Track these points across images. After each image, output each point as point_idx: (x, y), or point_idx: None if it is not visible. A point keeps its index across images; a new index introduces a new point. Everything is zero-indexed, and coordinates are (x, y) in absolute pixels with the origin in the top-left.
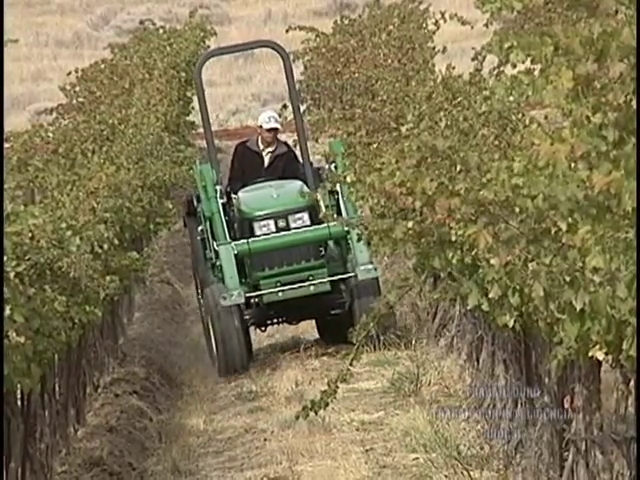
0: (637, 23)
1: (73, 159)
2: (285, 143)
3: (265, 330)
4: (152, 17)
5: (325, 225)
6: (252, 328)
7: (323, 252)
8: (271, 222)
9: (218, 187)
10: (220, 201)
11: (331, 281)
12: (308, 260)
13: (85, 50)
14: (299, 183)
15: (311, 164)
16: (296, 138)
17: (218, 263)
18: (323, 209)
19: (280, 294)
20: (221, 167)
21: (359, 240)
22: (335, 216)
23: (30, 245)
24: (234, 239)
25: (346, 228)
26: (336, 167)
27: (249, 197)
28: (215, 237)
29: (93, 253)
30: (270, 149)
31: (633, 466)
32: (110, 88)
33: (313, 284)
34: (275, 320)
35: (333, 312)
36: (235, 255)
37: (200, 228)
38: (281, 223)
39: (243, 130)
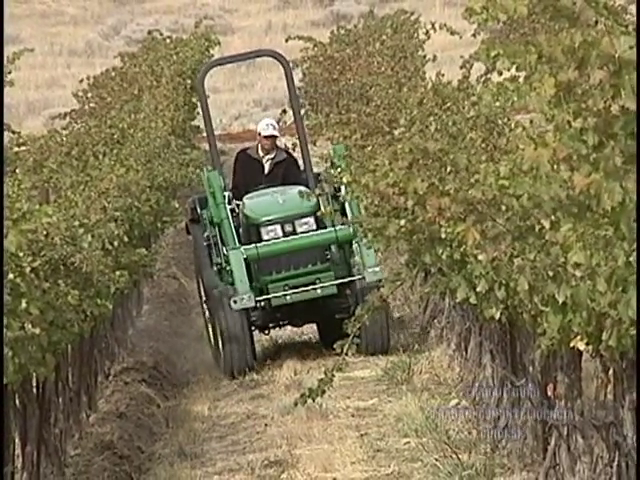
0: (637, 30)
1: (85, 161)
2: (285, 150)
3: (268, 333)
4: (160, 28)
5: (332, 229)
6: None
7: (329, 255)
8: (278, 227)
9: (226, 193)
10: (229, 207)
11: (337, 284)
12: (315, 264)
13: (97, 59)
14: (303, 188)
15: (312, 169)
16: (295, 142)
17: (228, 268)
18: (322, 209)
19: (288, 297)
20: (223, 169)
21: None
22: (335, 216)
23: (45, 242)
24: (241, 244)
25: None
26: (336, 168)
27: (255, 203)
28: (225, 242)
29: (104, 249)
30: (270, 156)
31: (612, 449)
32: (120, 94)
33: (320, 287)
34: (280, 323)
35: (337, 316)
36: (244, 260)
37: (206, 234)
38: (288, 228)
39: (245, 134)
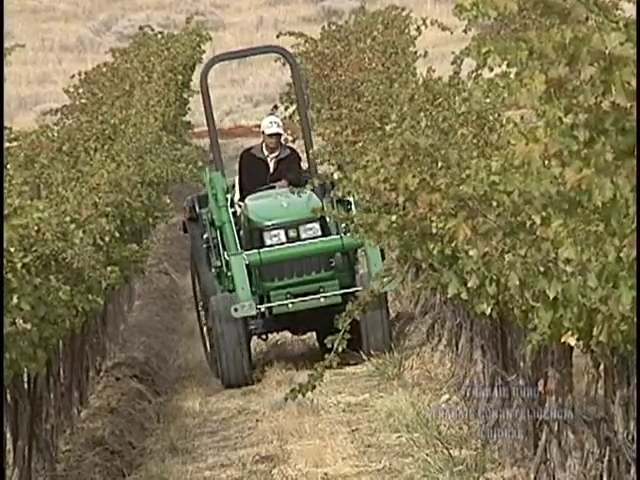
0: (637, 28)
1: (77, 157)
2: (289, 147)
3: (266, 339)
4: (151, 23)
5: (339, 236)
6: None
7: (333, 263)
8: (281, 232)
9: (229, 195)
10: (231, 210)
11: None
12: (319, 271)
13: (88, 54)
14: (309, 192)
15: (316, 166)
16: (289, 138)
17: (229, 273)
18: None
19: (290, 306)
20: None
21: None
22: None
23: (36, 237)
24: (242, 248)
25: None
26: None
27: (258, 206)
28: (226, 247)
29: (95, 245)
30: (274, 154)
31: (602, 445)
32: (111, 90)
33: (324, 296)
34: (279, 330)
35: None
36: (246, 265)
37: (205, 236)
38: (292, 233)
39: (236, 129)
